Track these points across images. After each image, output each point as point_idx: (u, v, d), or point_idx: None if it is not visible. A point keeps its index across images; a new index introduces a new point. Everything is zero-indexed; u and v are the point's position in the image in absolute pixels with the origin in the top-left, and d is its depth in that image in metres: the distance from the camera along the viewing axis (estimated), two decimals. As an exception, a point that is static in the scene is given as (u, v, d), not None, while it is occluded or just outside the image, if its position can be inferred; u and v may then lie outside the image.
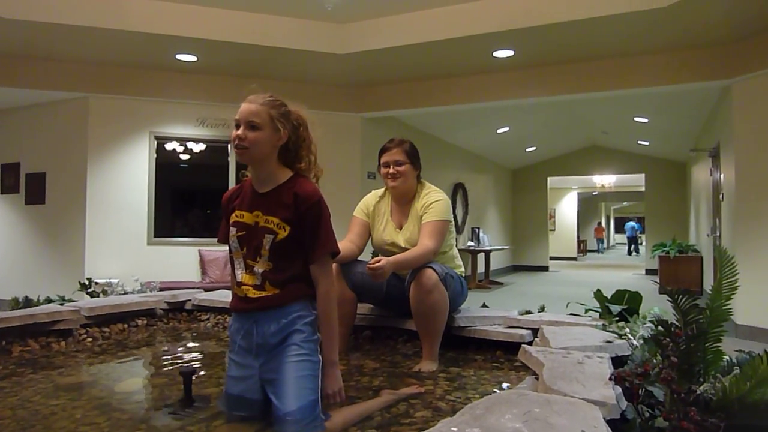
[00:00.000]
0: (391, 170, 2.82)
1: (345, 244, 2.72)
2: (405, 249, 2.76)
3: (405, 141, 2.90)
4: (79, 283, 3.71)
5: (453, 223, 2.91)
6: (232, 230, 1.96)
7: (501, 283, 11.95)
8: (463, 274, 2.92)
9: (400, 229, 2.86)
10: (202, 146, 7.50)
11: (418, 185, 2.91)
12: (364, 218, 2.95)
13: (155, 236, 7.10)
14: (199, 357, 2.85)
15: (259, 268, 1.90)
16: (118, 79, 6.85)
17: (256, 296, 1.89)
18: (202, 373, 2.47)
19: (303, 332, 1.85)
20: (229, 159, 7.52)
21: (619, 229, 34.69)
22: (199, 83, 7.19)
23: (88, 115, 6.83)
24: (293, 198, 1.93)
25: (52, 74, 6.63)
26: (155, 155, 7.14)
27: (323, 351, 1.89)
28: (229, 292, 3.68)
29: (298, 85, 7.53)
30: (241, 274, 1.93)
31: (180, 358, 2.80)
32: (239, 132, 1.94)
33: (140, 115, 7.05)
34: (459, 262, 2.95)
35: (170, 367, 2.61)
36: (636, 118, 10.09)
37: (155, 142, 7.14)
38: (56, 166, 7.17)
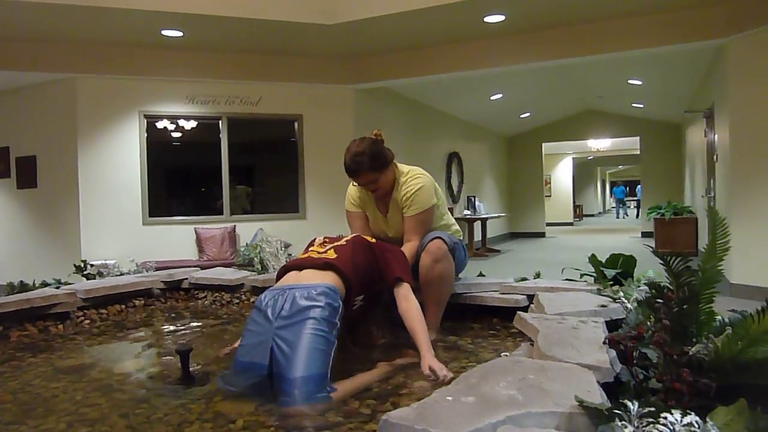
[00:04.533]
0: (370, 190, 2.74)
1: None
2: (393, 239, 2.78)
3: (361, 157, 2.60)
4: (74, 265, 3.70)
5: (439, 196, 2.82)
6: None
7: (498, 251, 12.00)
8: (461, 236, 2.92)
9: (386, 216, 2.83)
10: (193, 123, 7.43)
11: (395, 172, 2.78)
12: (358, 210, 2.90)
13: (150, 216, 7.08)
14: (197, 335, 2.86)
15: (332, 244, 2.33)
16: (104, 59, 6.75)
17: (315, 255, 2.24)
18: (199, 350, 2.48)
19: (325, 310, 1.94)
20: (221, 135, 7.46)
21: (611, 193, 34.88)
22: (187, 60, 7.10)
23: (75, 96, 6.75)
24: None
25: (37, 55, 6.52)
26: (146, 134, 7.08)
27: (414, 338, 2.11)
28: (226, 270, 3.67)
29: (289, 58, 7.44)
30: (315, 245, 2.37)
31: (178, 336, 2.81)
32: None
33: (128, 95, 6.97)
34: (456, 227, 2.96)
35: (169, 346, 2.62)
36: (630, 81, 10.02)
37: (145, 121, 7.07)
38: (46, 149, 7.11)
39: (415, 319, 2.15)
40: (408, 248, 2.63)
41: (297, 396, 1.75)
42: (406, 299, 2.23)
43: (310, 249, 2.37)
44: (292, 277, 2.16)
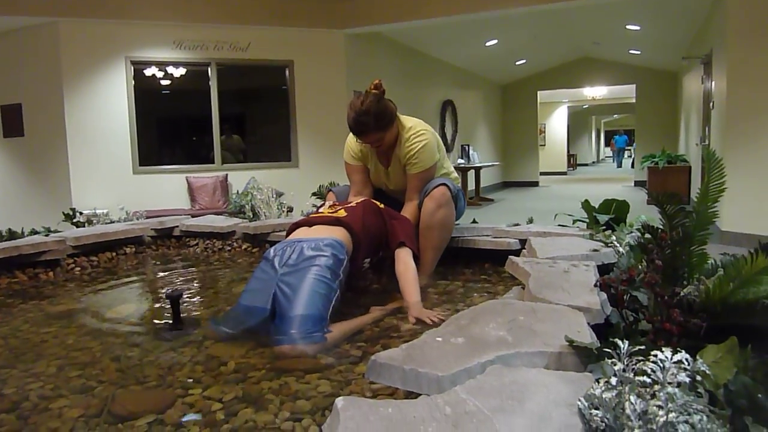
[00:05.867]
0: (375, 146, 2.68)
1: (354, 199, 2.68)
2: (393, 191, 2.82)
3: (366, 117, 2.50)
4: (63, 213, 3.66)
5: (440, 148, 2.78)
6: None
7: (492, 200, 12.02)
8: (459, 184, 2.91)
9: (387, 169, 2.80)
10: (182, 70, 7.27)
11: (398, 126, 2.69)
12: (358, 163, 2.83)
13: (141, 165, 7.00)
14: (189, 281, 2.85)
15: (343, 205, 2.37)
16: (87, 1, 6.52)
17: (326, 214, 2.31)
18: (190, 296, 2.48)
19: (330, 259, 1.99)
20: (210, 83, 7.30)
21: (609, 142, 34.68)
22: (174, 2, 6.88)
23: (59, 41, 6.56)
24: None
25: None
26: (133, 82, 6.92)
27: (404, 295, 2.13)
28: (217, 217, 3.66)
29: (278, 0, 7.21)
30: (326, 207, 2.41)
31: (169, 282, 2.81)
32: None
33: (114, 40, 6.78)
34: (455, 174, 2.97)
35: (160, 292, 2.62)
36: (628, 26, 9.81)
37: (132, 67, 6.90)
38: (32, 96, 6.94)
39: (409, 283, 2.18)
40: (411, 208, 2.64)
41: (293, 335, 1.76)
42: (405, 263, 2.26)
43: (320, 210, 2.43)
44: (302, 232, 2.21)
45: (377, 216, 2.40)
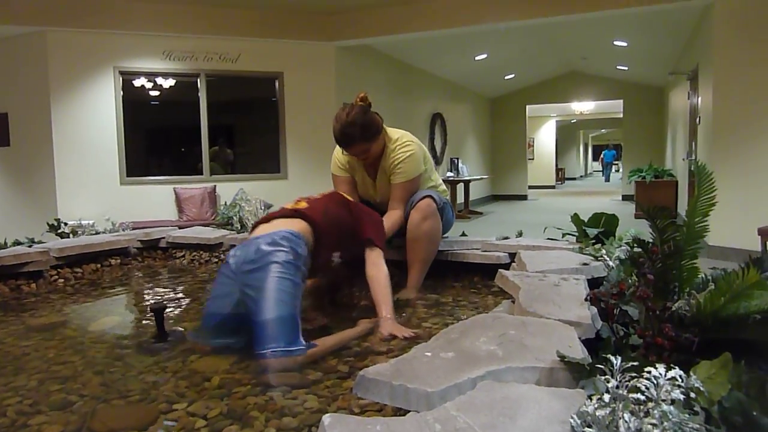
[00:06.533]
0: (362, 158, 2.68)
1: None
2: (381, 203, 2.76)
3: (352, 128, 2.52)
4: (47, 224, 3.60)
5: (427, 160, 2.79)
6: None
7: (480, 213, 12.03)
8: (447, 196, 2.90)
9: (374, 181, 2.78)
10: (171, 81, 7.24)
11: (385, 137, 2.70)
12: (345, 174, 2.83)
13: (128, 176, 6.94)
14: (174, 293, 2.81)
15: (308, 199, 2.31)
16: (75, 11, 6.49)
17: (288, 208, 2.23)
18: (176, 308, 2.44)
19: (289, 254, 1.93)
20: (199, 94, 7.27)
21: (597, 156, 35.03)
22: (163, 12, 6.86)
23: (47, 51, 6.51)
24: None
25: (3, 7, 6.23)
26: (122, 92, 6.88)
27: (376, 306, 2.09)
28: (204, 229, 3.62)
29: (268, 12, 7.22)
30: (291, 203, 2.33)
31: (154, 295, 2.77)
32: None
33: (102, 50, 6.74)
34: (443, 187, 2.95)
35: (144, 305, 2.58)
36: (615, 42, 9.92)
37: (120, 78, 6.86)
38: (18, 106, 6.88)
39: (381, 286, 2.13)
40: (391, 216, 2.60)
41: (273, 347, 1.72)
42: (376, 266, 2.20)
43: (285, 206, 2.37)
44: (261, 230, 2.14)
45: (343, 207, 2.33)
